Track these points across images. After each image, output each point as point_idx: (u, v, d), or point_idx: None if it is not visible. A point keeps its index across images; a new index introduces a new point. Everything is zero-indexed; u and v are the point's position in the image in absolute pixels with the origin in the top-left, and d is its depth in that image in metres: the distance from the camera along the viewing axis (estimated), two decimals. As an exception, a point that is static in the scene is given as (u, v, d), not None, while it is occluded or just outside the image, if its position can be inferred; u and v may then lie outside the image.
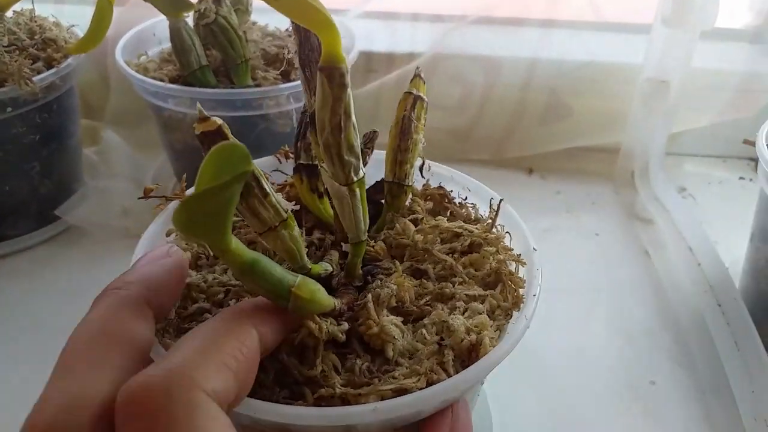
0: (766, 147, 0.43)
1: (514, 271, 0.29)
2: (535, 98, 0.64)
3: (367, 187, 0.28)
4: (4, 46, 0.47)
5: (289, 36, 0.58)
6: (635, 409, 0.42)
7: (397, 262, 0.29)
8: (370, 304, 0.25)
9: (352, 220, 0.26)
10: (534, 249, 0.30)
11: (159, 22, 0.57)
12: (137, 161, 0.61)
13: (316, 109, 0.24)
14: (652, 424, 0.41)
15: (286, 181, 0.34)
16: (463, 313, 0.27)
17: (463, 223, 0.31)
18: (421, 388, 0.23)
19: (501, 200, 0.32)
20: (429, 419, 0.24)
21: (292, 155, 0.33)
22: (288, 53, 0.51)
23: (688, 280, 0.48)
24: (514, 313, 0.27)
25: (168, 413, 0.18)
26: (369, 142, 0.32)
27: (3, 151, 0.48)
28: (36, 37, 0.50)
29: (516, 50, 0.63)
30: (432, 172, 0.35)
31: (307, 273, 0.26)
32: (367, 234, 0.27)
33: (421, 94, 0.31)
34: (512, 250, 0.30)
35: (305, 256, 0.26)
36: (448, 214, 0.33)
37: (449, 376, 0.24)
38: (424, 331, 0.26)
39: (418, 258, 0.30)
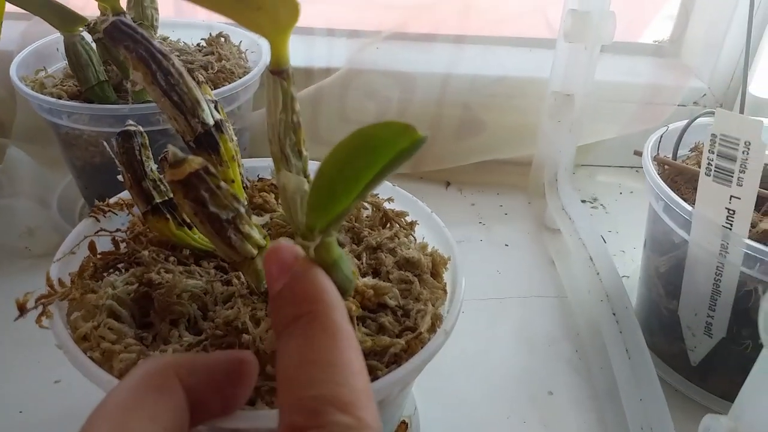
0: (650, 159, 0.44)
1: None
2: (449, 113, 0.65)
3: None
4: None
5: (200, 51, 0.57)
6: (531, 420, 0.42)
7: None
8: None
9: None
10: (393, 185, 0.36)
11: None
12: (44, 179, 0.60)
13: (271, 112, 0.25)
14: (548, 433, 0.41)
15: (129, 230, 0.32)
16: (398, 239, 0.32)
17: None
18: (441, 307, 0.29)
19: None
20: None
21: (122, 205, 0.33)
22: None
23: (587, 289, 0.49)
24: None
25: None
26: None
27: None
28: (-76, 53, 0.48)
29: (430, 66, 0.64)
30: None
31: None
32: None
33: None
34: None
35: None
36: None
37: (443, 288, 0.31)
38: (395, 273, 0.30)
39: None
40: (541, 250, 0.57)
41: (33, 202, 0.57)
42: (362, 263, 0.30)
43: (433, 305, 0.29)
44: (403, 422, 0.39)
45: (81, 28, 0.47)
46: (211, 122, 0.27)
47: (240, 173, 0.32)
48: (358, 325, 0.27)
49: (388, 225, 0.34)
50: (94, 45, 0.49)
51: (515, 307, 0.51)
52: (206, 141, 0.27)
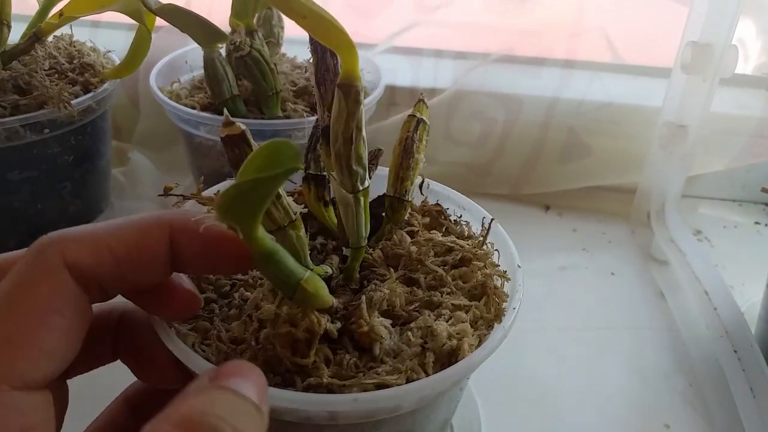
0: (784, 196, 0.44)
1: (499, 286, 0.31)
2: (554, 137, 0.65)
3: (370, 200, 0.32)
4: (44, 70, 0.49)
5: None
6: (649, 452, 0.42)
7: (392, 270, 0.31)
8: (363, 305, 0.27)
9: (353, 226, 0.29)
10: (519, 266, 0.32)
11: (191, 51, 0.58)
12: (163, 183, 0.63)
13: (331, 123, 0.26)
14: (666, 467, 0.41)
15: (295, 189, 0.36)
16: (448, 321, 0.29)
17: (455, 239, 0.33)
18: (400, 385, 0.25)
19: (492, 219, 0.34)
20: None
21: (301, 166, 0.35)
22: (306, 72, 0.52)
23: (704, 324, 0.48)
24: (495, 325, 0.29)
25: (24, 264, 0.21)
26: (374, 159, 0.34)
27: (38, 171, 0.49)
28: (74, 62, 0.52)
29: (537, 89, 0.65)
30: (431, 190, 0.37)
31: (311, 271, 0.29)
32: (366, 242, 0.30)
33: (424, 118, 0.33)
34: (499, 266, 0.32)
35: (308, 257, 0.28)
36: (444, 229, 0.35)
37: (428, 375, 0.26)
38: (409, 334, 0.28)
39: (412, 267, 0.31)
40: (648, 280, 0.57)
41: (154, 204, 0.60)
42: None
43: (386, 375, 0.26)
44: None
45: (220, 45, 0.50)
46: None
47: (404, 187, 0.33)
48: (320, 344, 0.26)
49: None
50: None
51: (624, 337, 0.51)
52: (324, 133, 0.29)
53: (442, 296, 0.30)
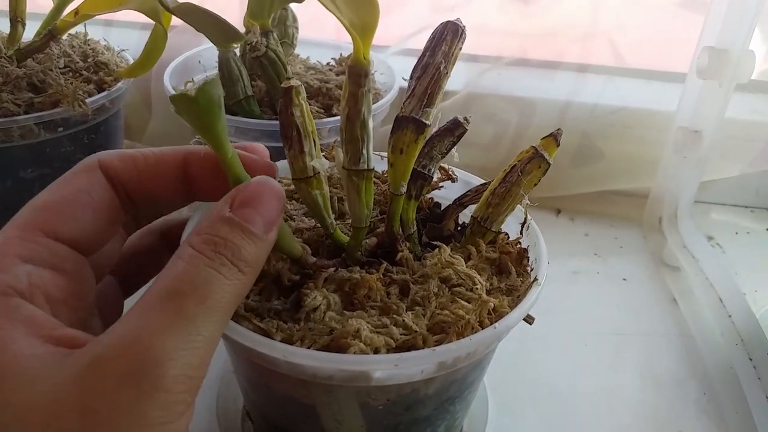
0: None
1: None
2: (566, 140, 0.63)
3: (443, 206, 0.35)
4: (59, 68, 0.49)
5: (331, 70, 0.59)
6: (664, 459, 0.41)
7: (386, 265, 0.30)
8: (323, 275, 0.29)
9: (350, 204, 0.29)
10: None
11: (205, 50, 0.58)
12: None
13: (341, 99, 0.28)
14: (681, 475, 0.41)
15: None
16: (374, 329, 0.27)
17: (474, 277, 0.30)
18: (274, 341, 0.27)
19: (535, 280, 0.30)
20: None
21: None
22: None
23: (718, 331, 0.48)
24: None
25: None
26: (455, 129, 0.33)
27: (51, 169, 0.49)
28: (89, 60, 0.52)
29: (550, 93, 0.65)
30: (529, 232, 0.34)
31: (330, 234, 0.30)
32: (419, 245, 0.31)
33: (545, 155, 0.31)
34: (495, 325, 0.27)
35: (327, 218, 0.30)
36: (508, 273, 0.32)
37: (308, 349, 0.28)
38: (330, 314, 0.28)
39: (418, 280, 0.30)
40: (660, 286, 0.56)
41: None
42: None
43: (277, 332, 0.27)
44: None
45: (236, 45, 0.50)
46: None
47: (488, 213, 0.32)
48: (274, 284, 0.29)
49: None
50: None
51: (638, 343, 0.50)
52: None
53: (400, 315, 0.28)
